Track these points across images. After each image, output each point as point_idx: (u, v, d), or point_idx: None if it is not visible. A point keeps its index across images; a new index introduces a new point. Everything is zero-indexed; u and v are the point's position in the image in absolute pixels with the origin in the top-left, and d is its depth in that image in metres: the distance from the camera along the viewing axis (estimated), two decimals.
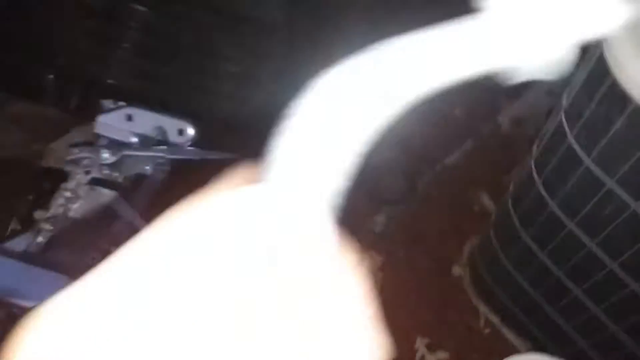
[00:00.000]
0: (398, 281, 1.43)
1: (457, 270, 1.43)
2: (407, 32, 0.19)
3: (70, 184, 0.78)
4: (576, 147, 0.77)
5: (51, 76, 0.95)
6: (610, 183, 0.74)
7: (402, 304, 1.40)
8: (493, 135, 1.57)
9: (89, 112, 0.88)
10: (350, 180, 0.25)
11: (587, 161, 0.76)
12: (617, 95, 0.66)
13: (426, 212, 1.49)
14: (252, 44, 1.03)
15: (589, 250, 0.86)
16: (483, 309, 1.37)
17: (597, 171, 0.75)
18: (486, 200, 1.48)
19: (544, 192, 0.89)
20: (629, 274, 0.81)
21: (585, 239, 0.85)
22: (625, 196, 0.74)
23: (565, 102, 0.79)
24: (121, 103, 0.82)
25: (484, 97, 1.64)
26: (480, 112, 1.61)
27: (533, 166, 0.91)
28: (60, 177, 0.87)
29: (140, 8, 1.04)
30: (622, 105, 0.66)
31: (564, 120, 0.78)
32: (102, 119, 0.80)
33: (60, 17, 1.02)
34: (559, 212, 0.87)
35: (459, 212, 1.48)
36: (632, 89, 0.64)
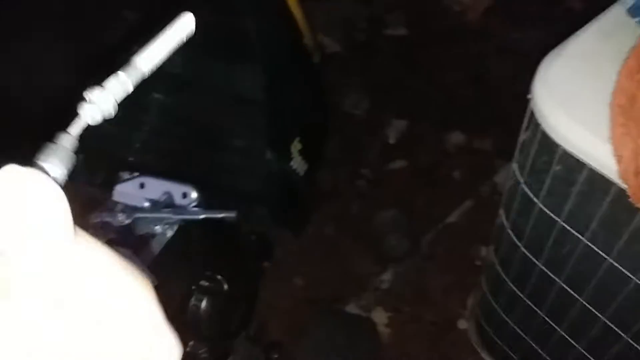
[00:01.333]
0: (405, 337, 1.48)
1: (462, 323, 1.48)
2: None
3: None
4: (527, 191, 0.86)
5: (81, 157, 1.12)
6: (560, 221, 0.83)
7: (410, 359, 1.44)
8: (491, 194, 1.66)
9: (110, 184, 1.03)
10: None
11: (538, 203, 0.85)
12: (549, 144, 0.77)
13: (430, 268, 1.56)
14: (253, 121, 1.19)
15: (559, 287, 0.93)
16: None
17: (548, 211, 0.84)
18: (486, 255, 1.54)
19: (513, 236, 0.97)
20: (595, 308, 0.87)
21: (553, 276, 0.92)
22: (574, 232, 0.82)
23: (516, 153, 0.89)
24: (135, 173, 0.97)
25: (482, 160, 1.75)
26: (478, 175, 1.71)
27: (502, 213, 1.00)
28: None
29: (158, 96, 1.22)
30: (554, 151, 0.77)
31: (516, 169, 0.89)
32: (118, 187, 0.95)
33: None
34: (527, 254, 0.95)
35: (462, 267, 1.55)
36: (557, 138, 0.75)
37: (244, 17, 0.96)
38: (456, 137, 1.78)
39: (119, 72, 0.26)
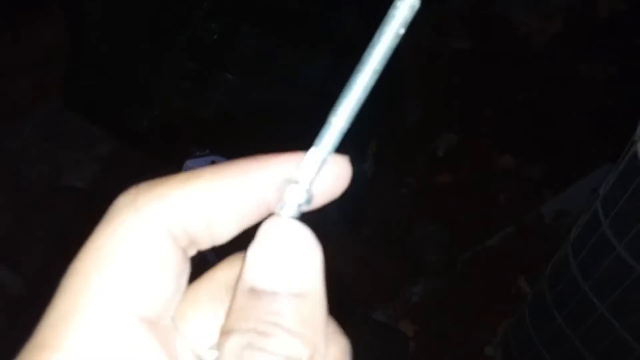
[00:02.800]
0: (429, 353, 1.46)
1: (489, 350, 1.45)
2: None
3: None
4: (609, 234, 0.83)
5: (145, 123, 1.11)
6: (639, 270, 0.80)
7: None
8: (535, 224, 1.63)
9: (173, 157, 1.01)
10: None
11: (619, 248, 0.82)
12: None
13: (463, 289, 1.54)
14: (318, 112, 1.16)
15: (619, 335, 0.90)
16: None
17: (628, 258, 0.81)
18: (523, 284, 1.52)
19: (578, 275, 0.94)
20: None
21: (614, 323, 0.90)
22: None
23: (601, 192, 0.87)
24: (206, 151, 0.95)
25: (529, 188, 1.71)
26: (524, 202, 1.68)
27: (570, 249, 0.97)
28: None
29: (229, 75, 1.21)
30: None
31: (599, 208, 0.86)
32: (189, 163, 0.94)
33: (160, 75, 1.19)
34: (591, 295, 0.92)
35: (496, 293, 1.52)
36: None
37: (343, 11, 0.93)
38: (506, 160, 1.75)
39: (312, 152, 0.22)
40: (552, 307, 1.06)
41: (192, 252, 0.22)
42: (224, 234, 0.22)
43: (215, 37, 1.21)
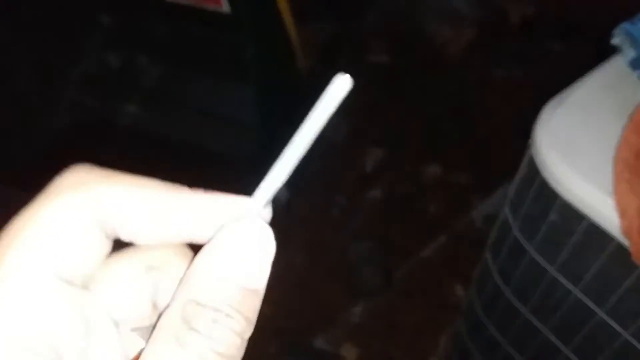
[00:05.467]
0: None
1: None
2: None
3: None
4: (520, 237, 0.83)
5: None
6: (552, 271, 0.80)
7: None
8: (467, 230, 1.64)
9: None
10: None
11: (531, 250, 0.82)
12: (547, 192, 0.74)
13: (402, 304, 1.52)
14: (232, 142, 1.13)
15: (544, 337, 0.90)
16: None
17: (540, 259, 0.81)
18: (460, 293, 1.51)
19: (499, 280, 0.94)
20: None
21: (539, 325, 0.89)
22: (566, 282, 0.79)
23: (509, 195, 0.87)
24: None
25: (458, 195, 1.73)
26: (455, 209, 1.69)
27: (489, 255, 0.97)
28: None
29: (132, 108, 1.15)
30: (552, 200, 0.74)
31: (508, 212, 0.86)
32: None
33: (53, 114, 1.12)
34: (513, 300, 0.92)
35: (435, 305, 1.51)
36: (558, 187, 0.72)
37: (242, 34, 0.91)
38: (433, 170, 1.77)
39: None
40: (482, 314, 1.06)
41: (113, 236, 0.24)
42: (142, 238, 0.24)
43: (113, 68, 1.15)
